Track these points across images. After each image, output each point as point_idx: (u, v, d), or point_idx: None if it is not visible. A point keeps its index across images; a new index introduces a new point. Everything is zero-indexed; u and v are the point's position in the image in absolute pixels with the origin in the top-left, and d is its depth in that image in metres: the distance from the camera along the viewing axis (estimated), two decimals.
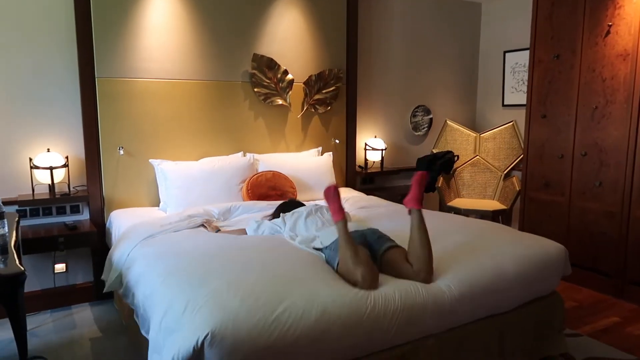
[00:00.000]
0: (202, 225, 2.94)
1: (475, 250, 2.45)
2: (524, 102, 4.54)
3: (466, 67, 5.27)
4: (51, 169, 3.19)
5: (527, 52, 4.23)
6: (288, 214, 2.82)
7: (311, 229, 2.61)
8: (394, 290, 2.03)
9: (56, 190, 3.28)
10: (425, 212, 3.38)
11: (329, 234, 2.36)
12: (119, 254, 2.75)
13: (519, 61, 4.85)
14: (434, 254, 2.22)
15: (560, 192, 3.85)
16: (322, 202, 3.39)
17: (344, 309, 1.89)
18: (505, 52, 5.00)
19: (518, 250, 2.49)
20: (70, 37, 3.29)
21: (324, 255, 2.31)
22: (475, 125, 5.37)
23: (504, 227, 3.01)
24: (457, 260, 2.33)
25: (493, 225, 2.95)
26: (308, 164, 3.90)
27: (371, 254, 2.19)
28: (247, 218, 3.09)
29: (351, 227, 2.33)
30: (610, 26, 3.44)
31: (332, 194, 2.23)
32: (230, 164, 3.59)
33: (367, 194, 4.06)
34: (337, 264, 2.14)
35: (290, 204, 3.03)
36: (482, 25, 5.29)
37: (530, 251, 2.51)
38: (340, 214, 2.19)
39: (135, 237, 2.73)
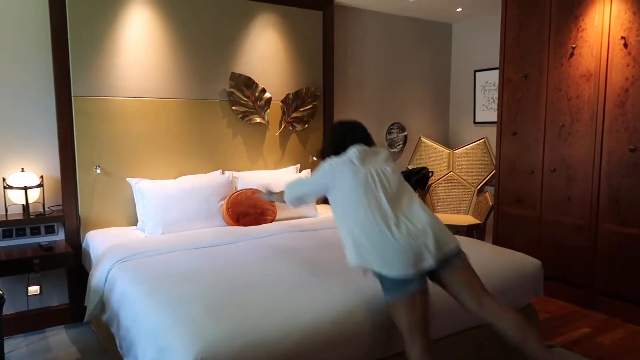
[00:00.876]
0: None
1: None
2: (495, 120, 4.68)
3: (438, 85, 5.42)
4: (25, 189, 3.13)
5: (497, 71, 4.38)
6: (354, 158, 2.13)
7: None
8: (375, 306, 2.08)
9: (30, 211, 3.22)
10: None
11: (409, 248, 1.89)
12: (97, 277, 2.72)
13: (489, 80, 5.01)
14: None
15: (531, 206, 3.98)
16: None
17: (327, 327, 1.91)
18: (475, 71, 5.16)
19: (495, 265, 2.57)
20: (45, 55, 3.26)
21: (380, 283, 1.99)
22: (448, 141, 5.50)
23: (481, 242, 3.10)
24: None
25: (470, 241, 3.03)
26: (287, 181, 3.92)
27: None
28: (240, 246, 2.98)
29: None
30: (574, 48, 3.61)
31: None
32: (209, 182, 3.59)
33: None
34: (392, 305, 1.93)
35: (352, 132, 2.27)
36: (453, 45, 5.46)
37: (506, 265, 2.60)
38: None
39: (113, 260, 2.71)
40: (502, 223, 4.22)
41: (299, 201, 2.41)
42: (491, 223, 4.39)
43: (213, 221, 3.45)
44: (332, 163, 2.15)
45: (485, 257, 2.67)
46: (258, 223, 3.48)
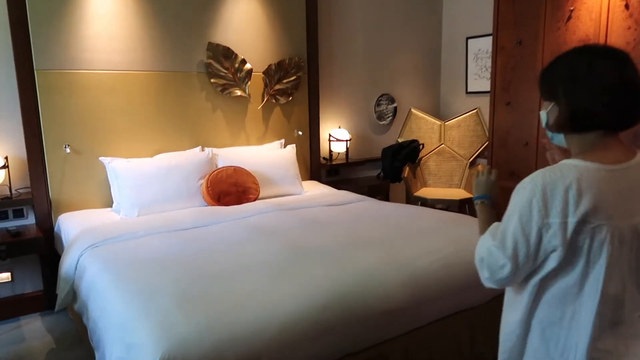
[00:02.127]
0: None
1: (446, 246, 2.38)
2: (488, 89, 4.50)
3: (429, 54, 5.20)
4: None
5: (490, 38, 4.18)
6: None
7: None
8: (360, 293, 1.94)
9: None
10: (393, 205, 3.34)
11: None
12: (67, 263, 2.56)
13: (482, 47, 4.81)
14: (409, 250, 2.13)
15: None
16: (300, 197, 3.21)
17: (306, 321, 1.77)
18: (467, 39, 4.95)
19: None
20: (2, 25, 3.00)
21: None
22: (439, 113, 5.32)
23: (472, 218, 2.95)
24: (427, 257, 2.26)
25: (462, 217, 2.90)
26: (271, 158, 3.75)
27: None
28: (225, 227, 2.83)
29: None
30: (572, 11, 3.42)
31: None
32: (188, 160, 3.40)
33: (333, 187, 3.97)
34: None
35: None
36: (444, 11, 5.23)
37: None
38: None
39: (83, 246, 2.55)
40: None
41: None
42: None
43: (193, 201, 3.28)
44: None
45: (477, 233, 2.54)
46: (240, 202, 3.31)
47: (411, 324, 2.09)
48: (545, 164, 3.73)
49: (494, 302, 2.40)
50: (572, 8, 3.41)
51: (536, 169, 3.88)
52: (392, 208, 3.24)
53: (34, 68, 3.05)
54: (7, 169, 3.04)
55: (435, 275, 2.15)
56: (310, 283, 1.95)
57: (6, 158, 3.06)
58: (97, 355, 2.07)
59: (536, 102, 3.69)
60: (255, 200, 3.40)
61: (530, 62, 3.70)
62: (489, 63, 4.66)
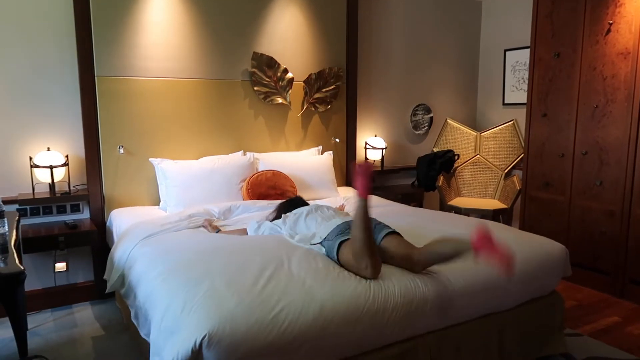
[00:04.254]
0: (202, 226, 2.93)
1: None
2: (525, 101, 4.53)
3: (466, 65, 5.26)
4: (51, 167, 3.19)
5: (528, 50, 4.22)
6: (290, 214, 2.78)
7: (311, 226, 2.59)
8: (393, 285, 2.03)
9: (56, 189, 3.28)
10: (427, 212, 3.42)
11: (328, 227, 2.38)
12: (119, 253, 2.75)
13: (520, 59, 4.84)
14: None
15: (560, 191, 3.84)
16: (322, 202, 3.41)
17: (342, 305, 1.89)
18: (505, 51, 4.99)
19: (518, 250, 2.48)
20: (69, 36, 3.29)
21: (324, 249, 2.30)
22: (475, 124, 5.36)
23: (504, 226, 3.00)
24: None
25: (494, 225, 2.94)
26: (308, 163, 3.90)
27: None
28: (248, 217, 3.09)
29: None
30: (611, 24, 3.43)
31: (363, 170, 2.06)
32: (230, 163, 3.59)
33: None
34: (338, 250, 2.17)
35: (292, 203, 2.97)
36: (482, 23, 5.28)
37: (531, 250, 2.51)
38: (366, 192, 2.06)
39: (136, 237, 2.73)
40: (530, 208, 4.10)
41: None
42: (518, 208, 4.27)
43: (233, 201, 3.44)
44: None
45: (507, 241, 2.58)
46: None
47: (440, 322, 2.17)
48: (579, 175, 3.75)
49: (522, 307, 2.46)
50: (611, 22, 3.42)
51: (572, 180, 3.90)
52: (427, 213, 3.31)
53: (95, 75, 3.30)
54: (67, 166, 3.30)
55: (462, 280, 2.22)
56: (346, 275, 2.07)
57: (67, 156, 3.32)
58: (142, 331, 2.24)
59: (573, 114, 3.71)
60: None
61: (568, 74, 3.72)
62: (526, 75, 4.69)
